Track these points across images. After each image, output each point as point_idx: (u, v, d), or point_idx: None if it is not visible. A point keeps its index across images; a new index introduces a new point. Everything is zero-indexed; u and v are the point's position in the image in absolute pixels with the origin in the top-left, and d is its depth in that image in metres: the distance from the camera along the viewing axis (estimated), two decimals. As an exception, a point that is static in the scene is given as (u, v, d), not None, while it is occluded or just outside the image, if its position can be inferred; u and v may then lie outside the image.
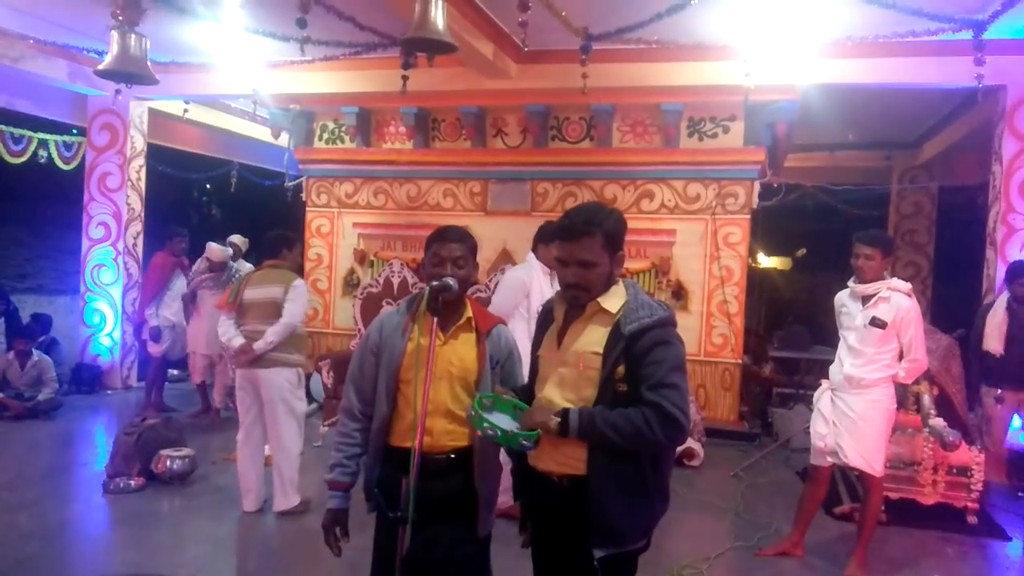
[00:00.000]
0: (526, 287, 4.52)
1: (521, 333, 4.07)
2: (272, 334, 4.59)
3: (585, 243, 2.18)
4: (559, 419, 2.12)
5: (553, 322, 2.35)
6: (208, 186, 12.75)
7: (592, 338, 2.21)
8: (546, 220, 5.03)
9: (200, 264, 7.18)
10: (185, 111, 9.07)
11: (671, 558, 4.15)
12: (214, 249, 7.14)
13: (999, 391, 5.51)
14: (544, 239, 4.57)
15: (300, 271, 4.70)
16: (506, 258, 7.64)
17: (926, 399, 4.90)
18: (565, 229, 2.21)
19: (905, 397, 4.88)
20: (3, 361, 7.22)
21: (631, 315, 2.17)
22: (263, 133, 9.51)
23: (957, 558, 4.42)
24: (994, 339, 5.45)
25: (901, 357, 4.00)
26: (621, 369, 2.14)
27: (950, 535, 4.71)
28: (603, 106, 7.27)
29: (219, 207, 13.61)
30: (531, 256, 4.68)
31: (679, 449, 6.15)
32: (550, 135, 7.68)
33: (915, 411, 4.94)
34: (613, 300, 2.23)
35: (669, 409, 2.08)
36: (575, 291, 2.22)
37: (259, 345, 4.59)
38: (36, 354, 7.26)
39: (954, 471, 4.85)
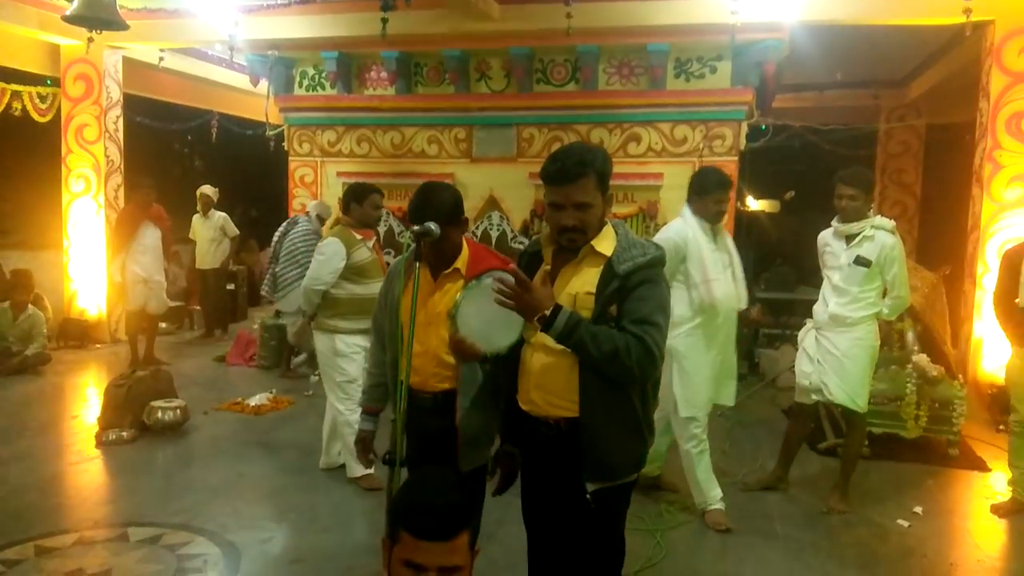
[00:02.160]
0: (679, 250, 3.81)
1: (683, 304, 3.79)
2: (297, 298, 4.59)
3: (580, 184, 2.17)
4: (546, 313, 2.09)
5: (540, 265, 2.35)
6: (189, 137, 12.52)
7: (585, 279, 2.21)
8: (700, 168, 4.66)
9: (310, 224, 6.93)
10: (160, 59, 8.86)
11: (661, 493, 4.24)
12: None
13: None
14: (700, 189, 3.90)
15: (367, 225, 4.43)
16: (493, 205, 7.59)
17: (910, 336, 4.97)
18: (560, 172, 2.18)
19: (889, 334, 4.94)
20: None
21: (624, 255, 2.17)
22: (242, 81, 9.31)
23: (937, 489, 4.53)
24: None
25: (885, 295, 4.03)
26: (614, 309, 2.15)
27: (931, 467, 4.82)
28: (588, 47, 7.13)
29: (201, 158, 13.39)
30: (686, 211, 3.95)
31: (667, 390, 6.23)
32: (535, 78, 7.55)
33: (899, 348, 5.01)
34: (606, 242, 2.22)
35: (649, 344, 2.10)
36: (572, 234, 2.20)
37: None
38: (30, 308, 7.23)
39: (936, 406, 4.94)
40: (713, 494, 3.92)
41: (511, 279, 2.12)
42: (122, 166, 8.59)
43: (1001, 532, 3.98)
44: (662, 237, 3.89)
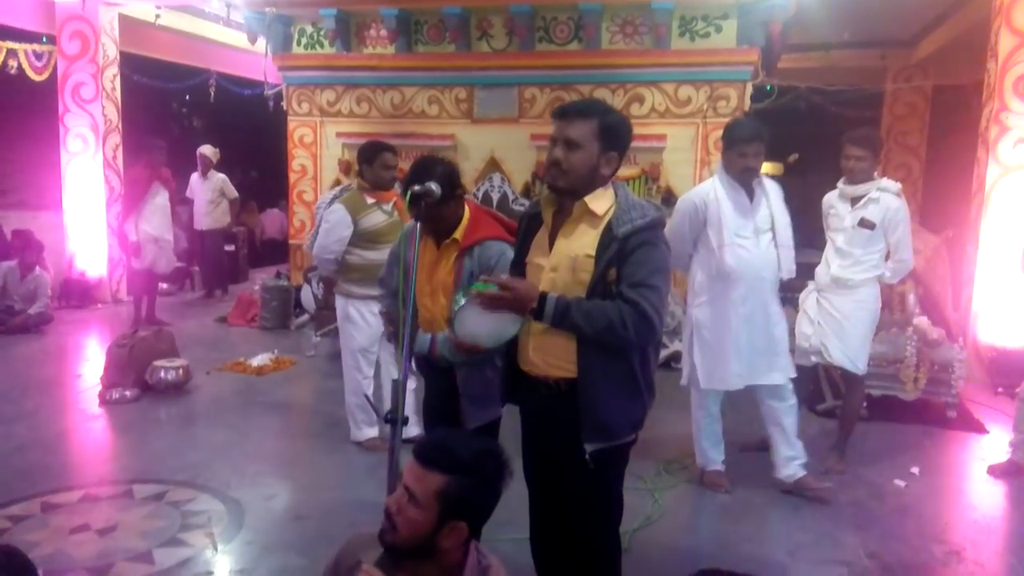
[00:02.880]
0: (698, 212, 3.63)
1: (703, 271, 3.68)
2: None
3: (576, 123, 2.18)
4: (534, 305, 2.12)
5: (540, 227, 2.34)
6: (186, 96, 12.38)
7: (584, 241, 2.20)
8: (733, 119, 4.39)
9: None
10: (157, 17, 8.73)
11: (659, 454, 4.28)
12: None
13: None
14: (725, 142, 3.66)
15: (381, 187, 4.23)
16: (494, 167, 7.53)
17: (911, 298, 4.96)
18: (563, 108, 2.25)
19: (891, 297, 4.93)
20: (3, 268, 7.20)
21: (623, 216, 2.15)
22: (240, 39, 9.16)
23: (934, 450, 4.57)
24: None
25: (888, 257, 4.01)
26: (613, 272, 2.14)
27: (929, 429, 4.86)
28: (591, 5, 7.01)
29: (199, 118, 13.26)
30: (718, 167, 3.76)
31: (668, 352, 6.25)
32: (537, 37, 7.43)
33: (900, 311, 5.00)
34: (600, 201, 2.20)
35: (646, 308, 2.09)
36: (552, 170, 2.21)
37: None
38: (37, 268, 7.27)
39: (936, 368, 4.95)
40: (713, 456, 3.93)
41: (492, 289, 2.12)
42: (120, 125, 8.52)
43: (996, 493, 4.02)
44: (683, 197, 3.87)
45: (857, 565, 3.21)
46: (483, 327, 2.23)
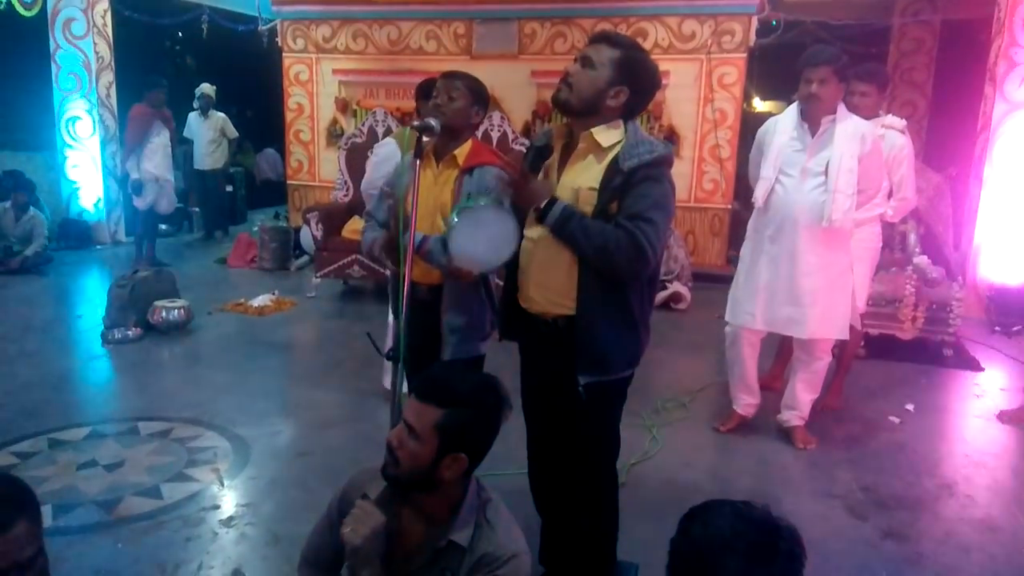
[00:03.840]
0: (760, 142, 3.55)
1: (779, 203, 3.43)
2: None
3: (602, 47, 2.19)
4: (543, 205, 2.16)
5: (546, 159, 2.33)
6: (179, 33, 12.12)
7: (589, 174, 2.19)
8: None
9: None
10: (146, -52, 8.47)
11: (656, 392, 4.33)
12: None
13: None
14: (799, 65, 3.39)
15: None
16: (493, 105, 7.39)
17: (912, 237, 4.94)
18: (598, 33, 2.28)
19: (892, 236, 4.91)
20: (-2, 210, 7.19)
21: (631, 151, 2.14)
22: (232, -28, 8.95)
23: (930, 387, 4.62)
24: None
25: (890, 195, 3.98)
26: (615, 205, 2.14)
27: (926, 367, 4.90)
28: (594, -65, 6.82)
29: (193, 56, 13.00)
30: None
31: (667, 293, 6.27)
32: (537, -31, 7.24)
33: (900, 250, 4.99)
34: (607, 134, 2.19)
35: (640, 240, 2.09)
36: (560, 84, 2.21)
37: None
38: (32, 209, 7.24)
39: (934, 307, 4.97)
40: (733, 396, 3.88)
41: (513, 169, 2.15)
42: (112, 63, 8.35)
43: (989, 430, 4.07)
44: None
45: (851, 498, 3.27)
46: (479, 245, 2.24)
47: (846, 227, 3.37)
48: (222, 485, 3.27)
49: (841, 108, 3.37)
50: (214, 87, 8.91)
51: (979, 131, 6.21)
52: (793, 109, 3.47)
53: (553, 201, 2.14)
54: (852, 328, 4.19)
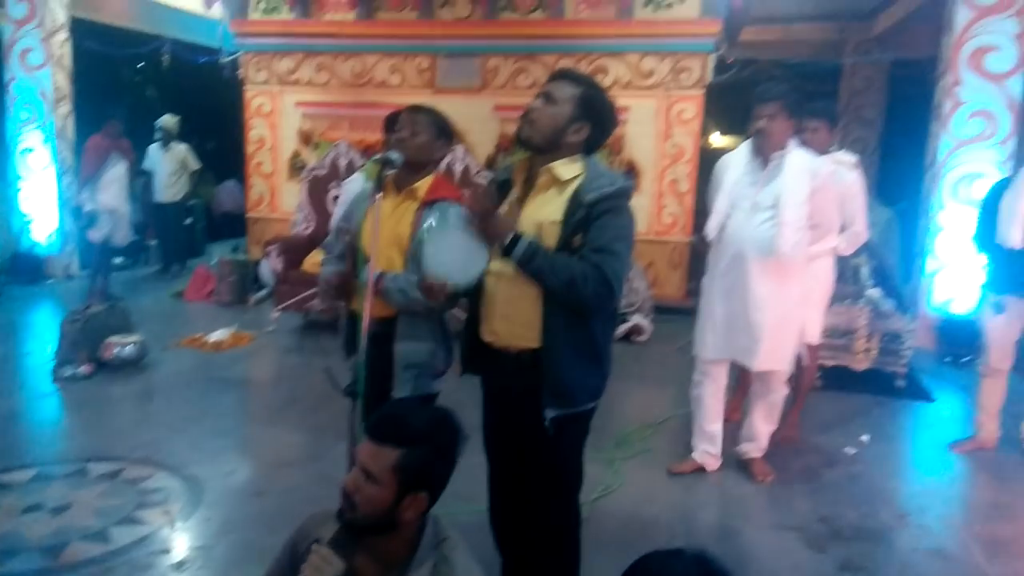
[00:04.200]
0: (716, 177, 3.61)
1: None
2: None
3: (563, 84, 2.24)
4: (508, 239, 2.16)
5: (507, 194, 2.36)
6: (140, 64, 12.03)
7: (552, 207, 2.22)
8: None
9: None
10: (107, -20, 8.42)
11: (618, 425, 4.34)
12: None
13: (1001, 297, 4.02)
14: (756, 98, 3.44)
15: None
16: (457, 138, 7.45)
17: (864, 271, 5.06)
18: (558, 71, 2.32)
19: (845, 269, 5.02)
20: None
21: (592, 184, 2.18)
22: (194, 4, 8.92)
23: (884, 419, 4.70)
24: (1011, 225, 3.84)
25: (842, 229, 4.07)
26: (578, 238, 2.16)
27: (880, 398, 4.99)
28: (555, -26, 6.95)
29: (154, 87, 12.89)
30: None
31: (628, 325, 6.32)
32: (500, 5, 7.34)
33: (853, 282, 5.10)
34: (568, 168, 2.23)
35: (606, 272, 2.13)
36: (523, 121, 2.25)
37: None
38: None
39: (887, 339, 5.08)
40: (694, 431, 3.87)
41: (480, 202, 2.19)
42: (70, 94, 8.24)
43: (942, 458, 4.15)
44: None
45: (809, 530, 3.30)
46: (452, 256, 2.22)
47: (795, 259, 3.38)
48: (173, 528, 3.18)
49: (792, 143, 3.44)
50: (176, 119, 8.82)
51: (927, 166, 6.41)
52: (747, 144, 3.54)
53: (518, 237, 2.16)
54: (809, 359, 4.28)
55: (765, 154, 3.42)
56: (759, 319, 3.44)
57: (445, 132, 2.65)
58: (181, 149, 8.84)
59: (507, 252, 2.16)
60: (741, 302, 3.48)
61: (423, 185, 2.58)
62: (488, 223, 2.18)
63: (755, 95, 3.46)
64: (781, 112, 3.34)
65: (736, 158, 3.55)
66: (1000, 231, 3.87)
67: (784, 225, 3.31)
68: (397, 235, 2.53)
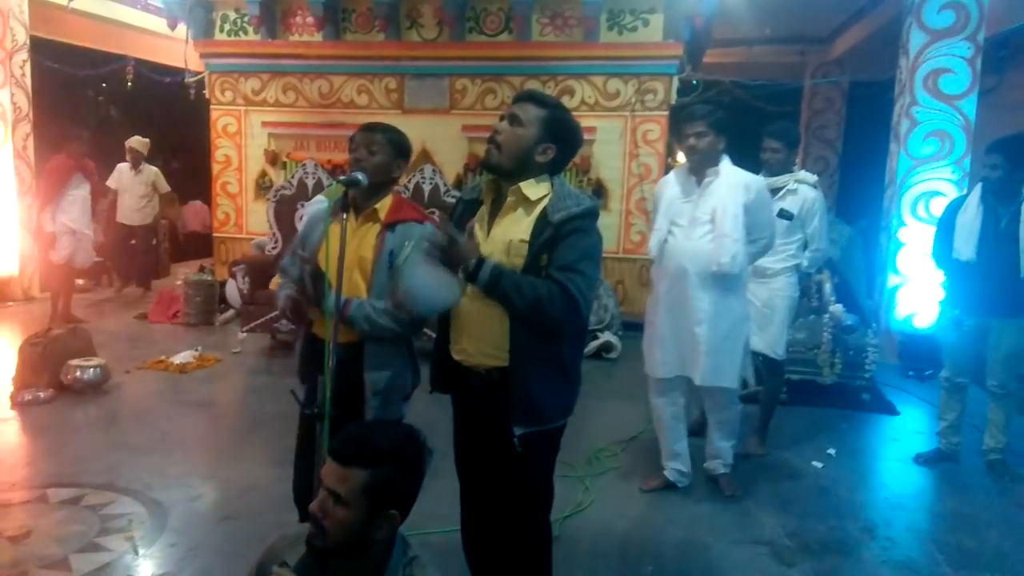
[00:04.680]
0: (656, 197, 3.70)
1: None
2: None
3: (528, 106, 2.25)
4: (471, 265, 2.15)
5: (475, 213, 2.36)
6: (103, 84, 11.90)
7: (520, 227, 2.23)
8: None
9: None
10: (70, 0, 8.33)
11: (589, 442, 4.35)
12: None
13: (959, 312, 4.10)
14: (684, 119, 3.56)
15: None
16: (425, 158, 7.47)
17: (827, 287, 5.16)
18: (523, 92, 2.34)
19: (808, 286, 5.12)
20: None
21: (558, 204, 2.20)
22: (159, 24, 8.85)
23: (850, 432, 4.77)
24: (964, 241, 3.96)
25: (805, 247, 4.16)
26: (545, 258, 2.17)
27: (845, 412, 5.07)
28: (521, -3, 7.04)
29: (117, 107, 12.75)
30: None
31: (598, 343, 6.35)
32: (467, 27, 7.42)
33: (817, 299, 5.20)
34: (535, 188, 2.24)
35: (572, 291, 2.14)
36: (489, 144, 2.26)
37: None
38: None
39: (851, 353, 5.17)
40: (662, 448, 3.88)
41: (440, 233, 2.15)
42: (31, 114, 8.11)
43: (907, 472, 4.22)
44: None
45: (778, 544, 3.33)
46: (425, 283, 2.20)
47: (734, 271, 3.42)
48: (136, 554, 3.11)
49: (725, 160, 3.51)
50: (146, 140, 8.58)
51: (886, 185, 6.57)
52: (683, 165, 3.62)
53: (481, 261, 2.15)
54: (776, 374, 4.34)
55: (699, 171, 3.49)
56: (701, 332, 3.47)
57: (403, 151, 2.60)
58: (152, 171, 8.65)
59: (472, 277, 2.15)
60: (684, 317, 3.51)
61: (383, 207, 2.53)
62: (451, 250, 2.16)
63: (682, 116, 3.57)
64: (708, 130, 3.43)
65: (673, 177, 3.64)
66: (956, 248, 3.98)
67: (723, 237, 3.38)
68: (359, 258, 2.48)
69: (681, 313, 3.52)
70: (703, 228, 3.44)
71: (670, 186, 3.60)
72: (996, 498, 3.91)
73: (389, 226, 2.50)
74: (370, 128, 2.57)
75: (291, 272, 2.66)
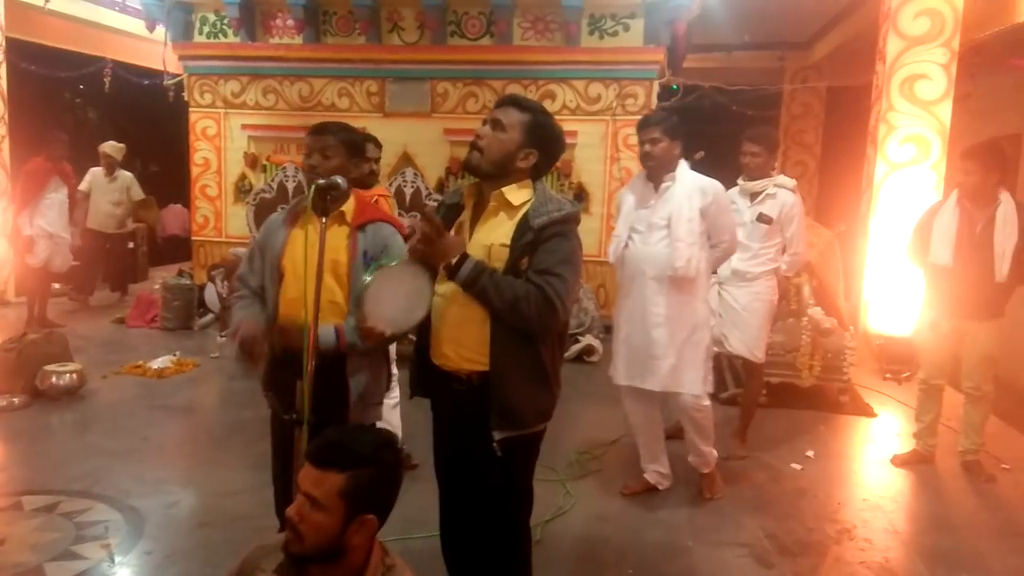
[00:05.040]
0: (619, 203, 3.74)
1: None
2: None
3: (511, 111, 2.25)
4: (454, 261, 2.14)
5: (456, 217, 2.36)
6: (81, 86, 11.75)
7: (501, 231, 2.23)
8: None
9: None
10: (47, 1, 8.24)
11: (571, 445, 4.36)
12: None
13: (934, 315, 4.15)
14: (639, 126, 3.58)
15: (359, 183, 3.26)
16: (407, 161, 7.46)
17: (806, 290, 5.20)
18: (506, 96, 2.34)
19: (787, 289, 5.15)
20: None
21: (540, 208, 2.20)
22: (137, 26, 8.79)
23: (828, 434, 4.81)
24: (941, 245, 3.99)
25: (784, 251, 4.19)
26: (526, 261, 2.18)
27: (823, 414, 5.11)
28: (503, 1, 7.04)
29: (95, 109, 12.61)
30: None
31: (579, 346, 6.36)
32: (449, 31, 7.42)
33: (796, 302, 5.24)
34: (517, 193, 2.25)
35: (550, 294, 2.14)
36: (472, 149, 2.26)
37: None
38: None
39: (829, 356, 5.22)
40: (641, 454, 3.88)
41: (426, 224, 2.13)
42: (6, 116, 8.02)
43: (884, 474, 4.26)
44: None
45: (757, 546, 3.35)
46: (392, 304, 2.19)
47: (689, 275, 3.43)
48: (113, 562, 3.07)
49: (682, 165, 3.53)
50: (121, 146, 8.27)
51: (863, 189, 6.65)
52: (642, 172, 3.64)
53: (464, 257, 2.15)
54: (755, 377, 4.37)
55: (656, 177, 3.52)
56: (658, 336, 3.48)
57: (358, 149, 2.56)
58: (127, 177, 8.31)
59: (453, 273, 2.16)
60: (641, 323, 3.52)
61: (348, 209, 2.49)
62: (435, 245, 2.15)
63: (638, 124, 3.60)
64: (663, 136, 3.45)
65: (632, 184, 3.68)
66: (933, 252, 4.03)
67: (678, 241, 3.41)
68: (331, 261, 2.42)
69: (638, 317, 3.53)
70: (659, 233, 3.47)
71: (629, 193, 3.65)
72: (972, 499, 3.96)
73: (360, 227, 2.48)
74: (320, 131, 2.52)
75: (250, 280, 2.61)
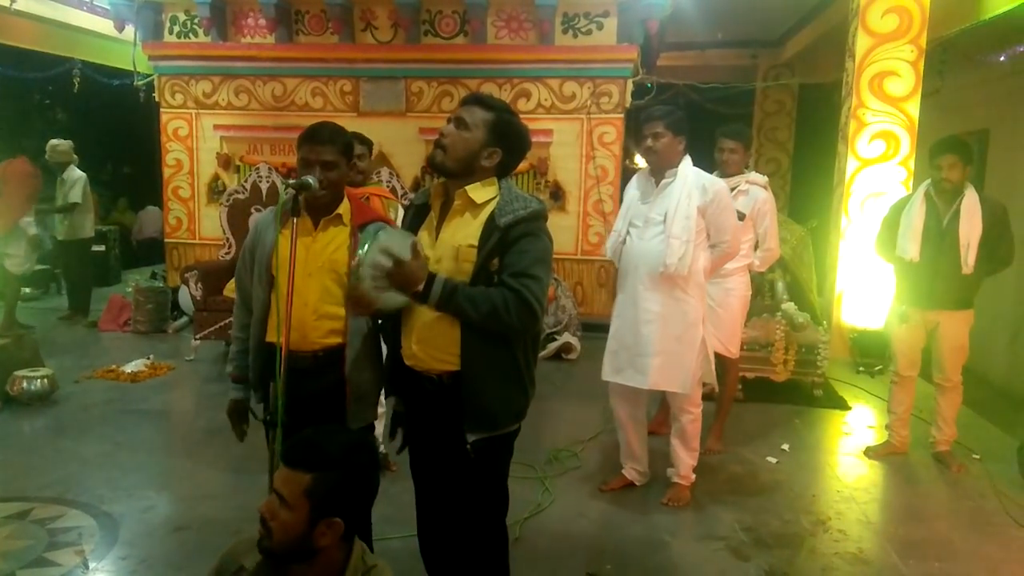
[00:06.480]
0: (625, 201, 3.69)
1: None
2: None
3: (475, 110, 2.24)
4: (420, 287, 2.10)
5: (426, 218, 2.34)
6: (49, 87, 11.57)
7: (468, 231, 2.21)
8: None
9: None
10: (12, 1, 8.08)
11: (550, 443, 4.37)
12: None
13: (904, 308, 4.19)
14: (642, 120, 3.54)
15: (356, 183, 3.56)
16: (382, 161, 7.42)
17: (779, 286, 5.26)
18: (470, 96, 2.33)
19: (761, 284, 5.21)
20: None
21: (506, 208, 2.18)
22: (106, 26, 8.64)
23: (803, 427, 4.87)
24: (909, 239, 4.06)
25: (757, 247, 4.23)
26: (495, 261, 2.16)
27: (799, 408, 5.17)
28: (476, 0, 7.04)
29: (64, 110, 12.42)
30: None
31: (557, 344, 6.38)
32: (423, 30, 7.40)
33: (770, 297, 5.30)
34: (482, 192, 2.23)
35: (527, 297, 2.13)
36: (435, 148, 2.24)
37: None
38: None
39: (803, 350, 5.28)
40: (622, 454, 3.90)
41: (385, 261, 2.06)
42: (-29, 117, 7.86)
43: (858, 466, 4.32)
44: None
45: (733, 539, 3.38)
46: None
47: (682, 273, 3.39)
48: (87, 568, 3.03)
49: (685, 160, 3.50)
50: (69, 142, 7.51)
51: (835, 185, 6.73)
52: (646, 167, 3.62)
53: (432, 279, 2.11)
54: (731, 372, 4.40)
55: (658, 172, 3.50)
56: (649, 334, 3.45)
57: (351, 151, 2.53)
58: (72, 178, 7.41)
59: (423, 298, 2.11)
60: (633, 319, 3.50)
61: (344, 209, 2.47)
62: (399, 271, 2.08)
63: (641, 118, 3.57)
64: (666, 130, 3.43)
65: (635, 180, 3.65)
66: (901, 245, 4.09)
67: (672, 239, 3.37)
68: (331, 261, 2.40)
69: (630, 313, 3.52)
70: (655, 229, 3.44)
71: (633, 188, 3.63)
72: (944, 489, 4.04)
73: (360, 227, 2.45)
74: (317, 140, 2.40)
75: (245, 282, 2.58)
